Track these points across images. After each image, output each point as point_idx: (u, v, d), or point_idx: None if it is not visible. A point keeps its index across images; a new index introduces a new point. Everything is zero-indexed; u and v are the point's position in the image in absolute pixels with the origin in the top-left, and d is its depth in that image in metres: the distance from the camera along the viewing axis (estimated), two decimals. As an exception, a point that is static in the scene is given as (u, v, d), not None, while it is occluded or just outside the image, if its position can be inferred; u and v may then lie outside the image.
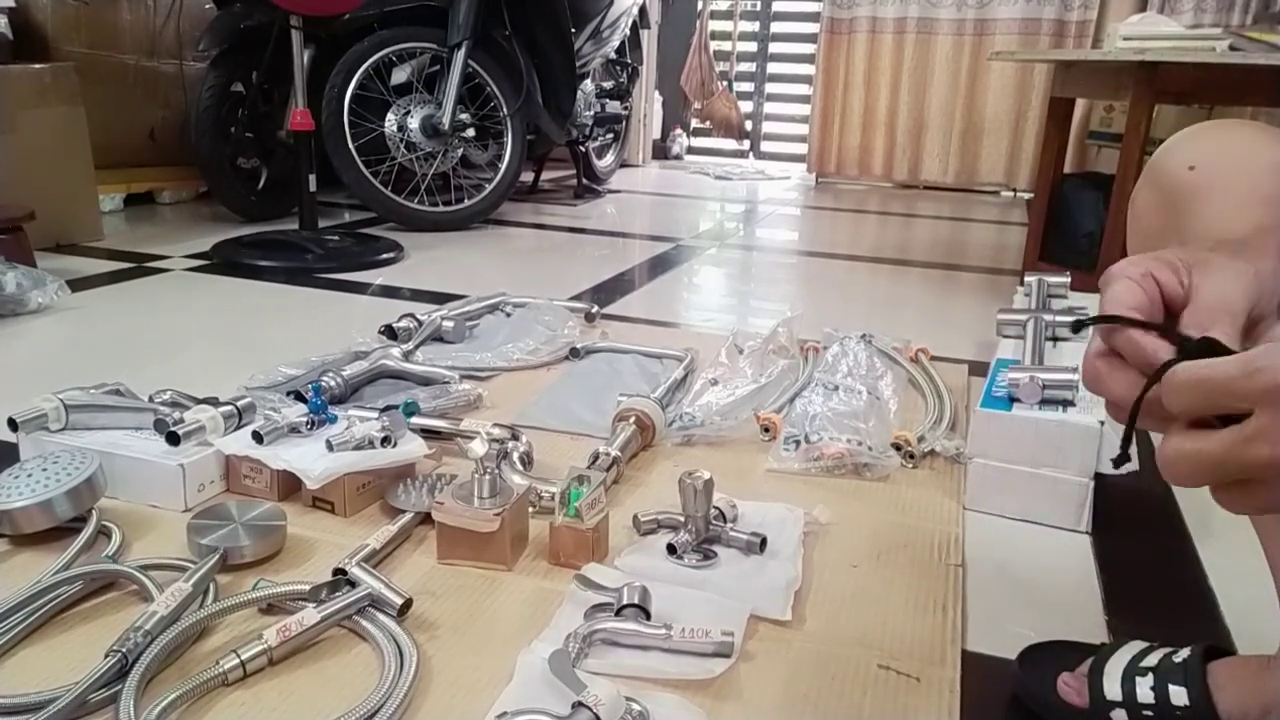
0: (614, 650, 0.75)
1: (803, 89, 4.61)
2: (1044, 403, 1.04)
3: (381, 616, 0.78)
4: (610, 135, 3.97)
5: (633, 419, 1.16)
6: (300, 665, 0.73)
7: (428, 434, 1.11)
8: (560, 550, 0.89)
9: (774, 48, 4.74)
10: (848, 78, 4.12)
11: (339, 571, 0.82)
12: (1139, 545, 1.02)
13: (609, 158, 4.03)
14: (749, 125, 4.87)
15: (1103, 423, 1.01)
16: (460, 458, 1.12)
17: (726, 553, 0.90)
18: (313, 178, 2.24)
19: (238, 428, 1.04)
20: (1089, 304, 1.49)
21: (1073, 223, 2.24)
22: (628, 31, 3.59)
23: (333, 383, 1.27)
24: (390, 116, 2.63)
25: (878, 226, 3.36)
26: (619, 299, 2.05)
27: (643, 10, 3.75)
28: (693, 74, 4.72)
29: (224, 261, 2.22)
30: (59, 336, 1.65)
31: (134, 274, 2.10)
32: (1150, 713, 0.65)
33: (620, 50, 3.70)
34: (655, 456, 1.17)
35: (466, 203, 2.80)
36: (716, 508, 0.92)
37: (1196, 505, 1.09)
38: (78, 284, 1.92)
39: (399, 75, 2.64)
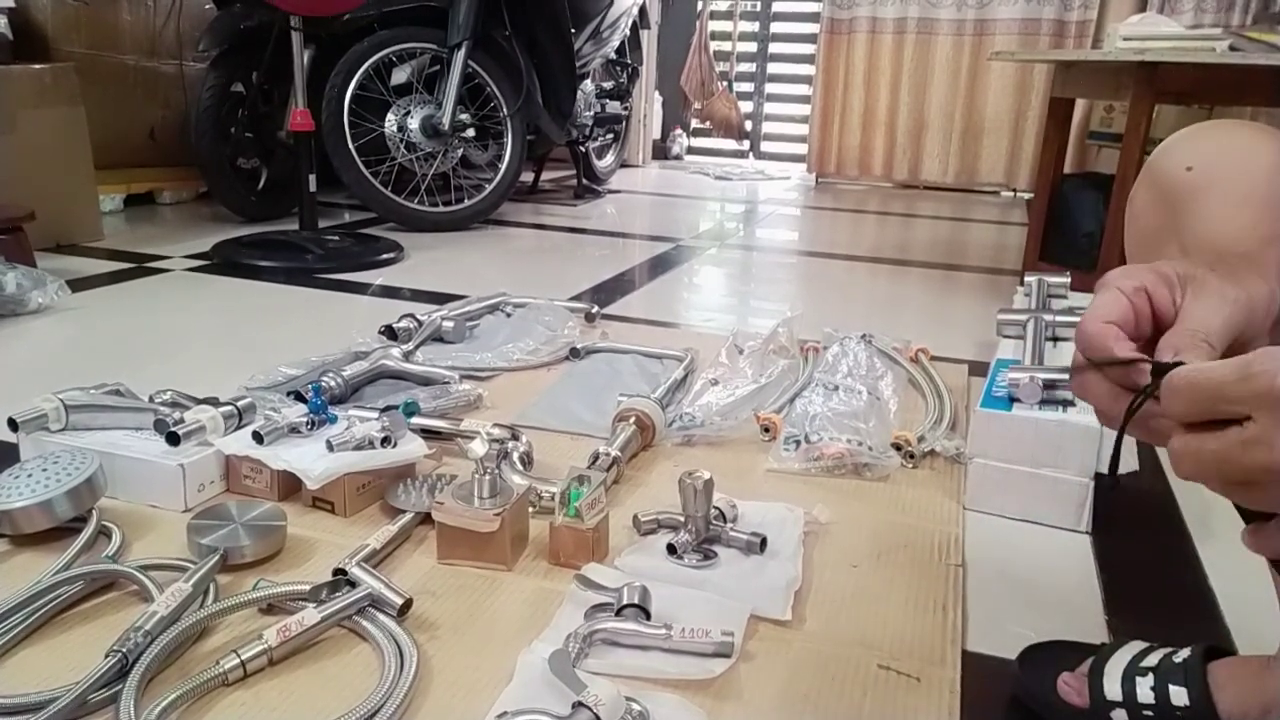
0: (614, 650, 0.75)
1: (803, 89, 4.61)
2: (1044, 403, 1.04)
3: (382, 616, 0.78)
4: (610, 135, 3.97)
5: (633, 419, 1.16)
6: (300, 665, 0.73)
7: (428, 434, 1.11)
8: (560, 550, 0.89)
9: (774, 48, 4.74)
10: (848, 78, 4.13)
11: (339, 571, 0.82)
12: (1139, 545, 1.02)
13: (609, 158, 4.03)
14: (749, 125, 4.87)
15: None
16: (460, 458, 1.12)
17: (726, 553, 0.90)
18: (313, 178, 2.24)
19: (238, 428, 1.04)
20: (1089, 304, 1.49)
21: (1073, 223, 2.24)
22: (628, 32, 3.59)
23: (333, 383, 1.27)
24: (390, 117, 2.63)
25: (878, 226, 3.36)
26: (619, 299, 2.05)
27: (643, 10, 3.75)
28: (693, 74, 4.72)
29: (224, 262, 2.22)
30: (59, 336, 1.65)
31: (134, 274, 2.10)
32: (1150, 713, 0.65)
33: (620, 50, 3.70)
34: (655, 456, 1.17)
35: (466, 203, 2.80)
36: (717, 508, 0.92)
37: (1196, 505, 1.09)
38: (78, 284, 1.92)
39: (399, 75, 2.64)
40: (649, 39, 4.37)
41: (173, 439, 0.99)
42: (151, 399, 1.13)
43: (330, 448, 0.99)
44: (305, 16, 2.16)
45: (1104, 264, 1.94)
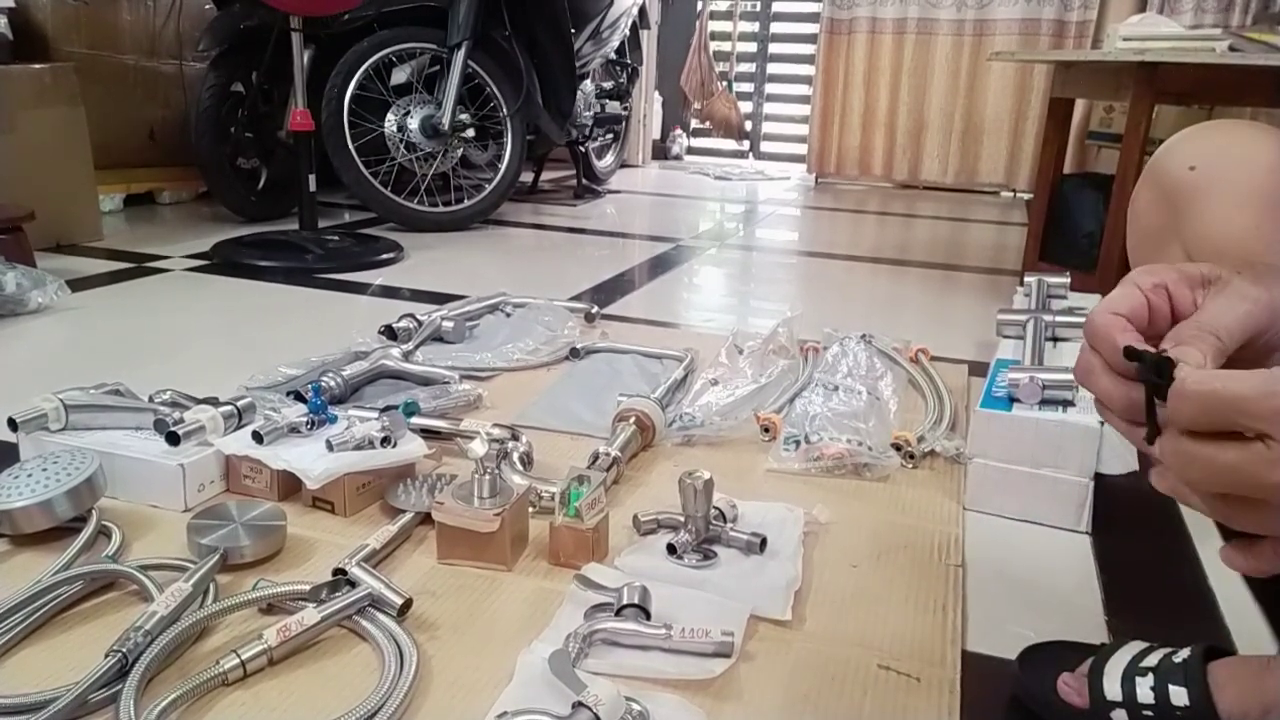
0: (614, 650, 0.75)
1: (802, 89, 4.61)
2: (1044, 403, 1.05)
3: (381, 616, 0.78)
4: (610, 135, 3.97)
5: (633, 419, 1.16)
6: (300, 665, 0.73)
7: (428, 434, 1.11)
8: (560, 550, 0.89)
9: (774, 48, 4.75)
10: (847, 78, 4.13)
11: (339, 571, 0.82)
12: (1139, 545, 1.02)
13: (609, 158, 4.03)
14: (749, 125, 4.87)
15: (1102, 423, 1.01)
16: (460, 458, 1.12)
17: (726, 553, 0.90)
18: (312, 178, 2.24)
19: (238, 428, 1.04)
20: (1089, 304, 1.49)
21: (1073, 223, 2.24)
22: (627, 32, 3.59)
23: (333, 383, 1.27)
24: (390, 117, 2.63)
25: (877, 227, 3.36)
26: (619, 299, 2.05)
27: (642, 10, 3.75)
28: (692, 74, 4.72)
29: (224, 261, 2.22)
30: (59, 336, 1.65)
31: (134, 274, 2.10)
32: (1150, 713, 0.65)
33: (620, 50, 3.70)
34: (655, 457, 1.17)
35: (466, 203, 2.80)
36: (716, 508, 0.92)
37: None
38: (77, 284, 1.92)
39: (399, 75, 2.64)
40: (649, 39, 4.37)
41: (172, 439, 0.99)
42: (151, 399, 1.13)
43: (330, 448, 0.99)
44: (305, 16, 2.16)
45: (1104, 264, 1.94)
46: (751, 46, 4.77)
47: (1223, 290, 0.42)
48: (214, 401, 1.07)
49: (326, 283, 2.09)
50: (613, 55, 3.60)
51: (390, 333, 1.55)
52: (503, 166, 2.83)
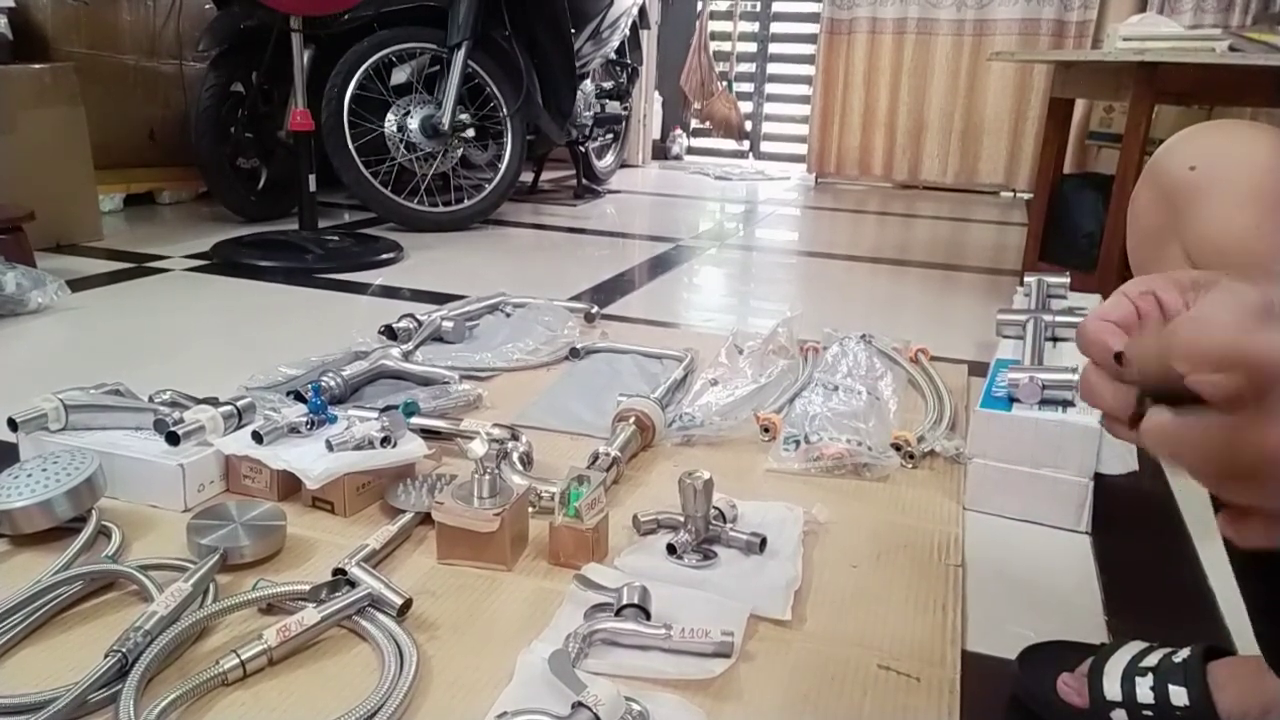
0: (614, 650, 0.75)
1: (802, 89, 4.61)
2: (1043, 403, 1.05)
3: (381, 616, 0.78)
4: (610, 135, 3.97)
5: (632, 419, 1.16)
6: (300, 665, 0.73)
7: (427, 434, 1.11)
8: (560, 550, 0.89)
9: (774, 48, 4.75)
10: (847, 78, 4.13)
11: (339, 571, 0.82)
12: (1139, 545, 1.02)
13: (609, 158, 4.03)
14: (749, 125, 4.87)
15: (1102, 423, 1.01)
16: (460, 458, 1.12)
17: (726, 553, 0.90)
18: (312, 178, 2.24)
19: (237, 428, 1.04)
20: (1089, 304, 1.49)
21: (1072, 223, 2.24)
22: (627, 32, 3.59)
23: (332, 383, 1.27)
24: (390, 117, 2.63)
25: (877, 227, 3.36)
26: (619, 299, 2.05)
27: (642, 11, 3.75)
28: (692, 74, 4.72)
29: (224, 262, 2.22)
30: (59, 336, 1.65)
31: (134, 274, 2.10)
32: (1150, 713, 0.65)
33: (620, 50, 3.70)
34: (655, 457, 1.17)
35: (466, 203, 2.80)
36: (716, 508, 0.92)
37: (1196, 505, 1.09)
38: (77, 284, 1.92)
39: (399, 75, 2.64)
40: (649, 39, 4.37)
41: (172, 439, 0.99)
42: (151, 399, 1.13)
43: (330, 448, 0.99)
44: (305, 16, 2.16)
45: (1104, 264, 1.94)
46: (751, 46, 4.77)
47: (1213, 290, 0.42)
48: (214, 401, 1.07)
49: (326, 283, 2.09)
50: (613, 55, 3.60)
51: (390, 333, 1.55)
52: (503, 166, 2.83)
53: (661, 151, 4.98)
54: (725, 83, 4.75)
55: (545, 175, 3.86)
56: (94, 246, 2.37)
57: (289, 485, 1.00)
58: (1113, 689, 0.67)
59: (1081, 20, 3.72)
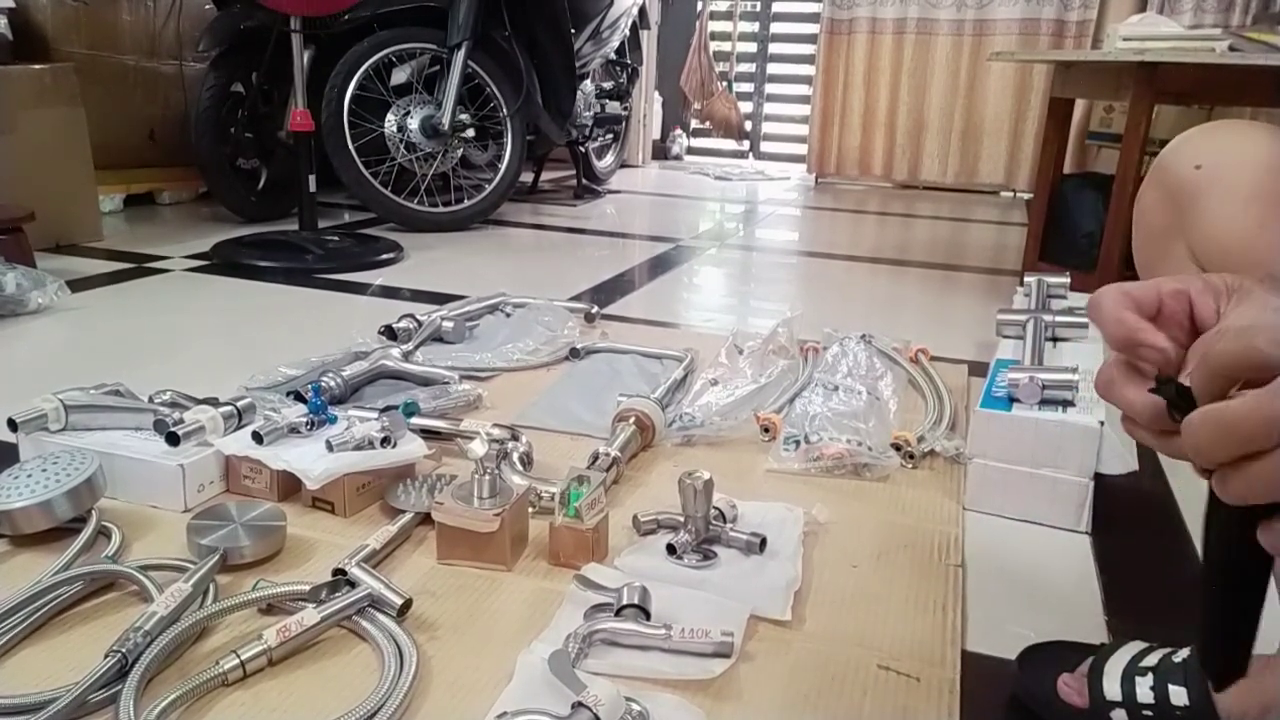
0: (614, 650, 0.75)
1: (802, 89, 4.61)
2: (1043, 403, 1.05)
3: (381, 617, 0.78)
4: (610, 136, 3.97)
5: (632, 419, 1.16)
6: (300, 665, 0.73)
7: (427, 434, 1.11)
8: (560, 550, 0.89)
9: (773, 48, 4.75)
10: (847, 78, 4.13)
11: (339, 572, 0.82)
12: (1139, 545, 1.02)
13: (609, 158, 4.03)
14: (749, 125, 4.87)
15: (1102, 423, 1.01)
16: (460, 458, 1.12)
17: (726, 553, 0.90)
18: (312, 178, 2.24)
19: (237, 428, 1.04)
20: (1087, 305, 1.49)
21: (1072, 223, 2.24)
22: (627, 32, 3.59)
23: (332, 383, 1.27)
24: (390, 117, 2.63)
25: (877, 227, 3.36)
26: (619, 299, 2.05)
27: (642, 11, 3.75)
28: (692, 74, 4.72)
29: (224, 262, 2.22)
30: (59, 337, 1.65)
31: (134, 274, 2.10)
32: (1150, 713, 0.65)
33: (620, 51, 3.70)
34: (655, 457, 1.17)
35: (466, 203, 2.80)
36: (716, 508, 0.92)
37: (1196, 505, 1.09)
38: (77, 284, 1.92)
39: (399, 76, 2.64)
40: (649, 39, 4.37)
41: (172, 439, 0.99)
42: (151, 399, 1.13)
43: (330, 448, 0.99)
44: (304, 17, 2.16)
45: (1104, 264, 1.94)
46: (751, 46, 4.77)
47: (1245, 299, 0.41)
48: (214, 402, 1.07)
49: (326, 283, 2.09)
50: (613, 55, 3.60)
51: (390, 333, 1.55)
52: (503, 167, 2.83)
53: (661, 151, 4.98)
54: (725, 83, 4.75)
55: (545, 175, 3.86)
56: (94, 247, 2.37)
57: (289, 485, 1.00)
58: (1113, 689, 0.67)
59: (1081, 20, 3.72)
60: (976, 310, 2.01)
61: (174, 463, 0.97)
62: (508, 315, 1.74)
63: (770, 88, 4.81)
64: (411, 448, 1.03)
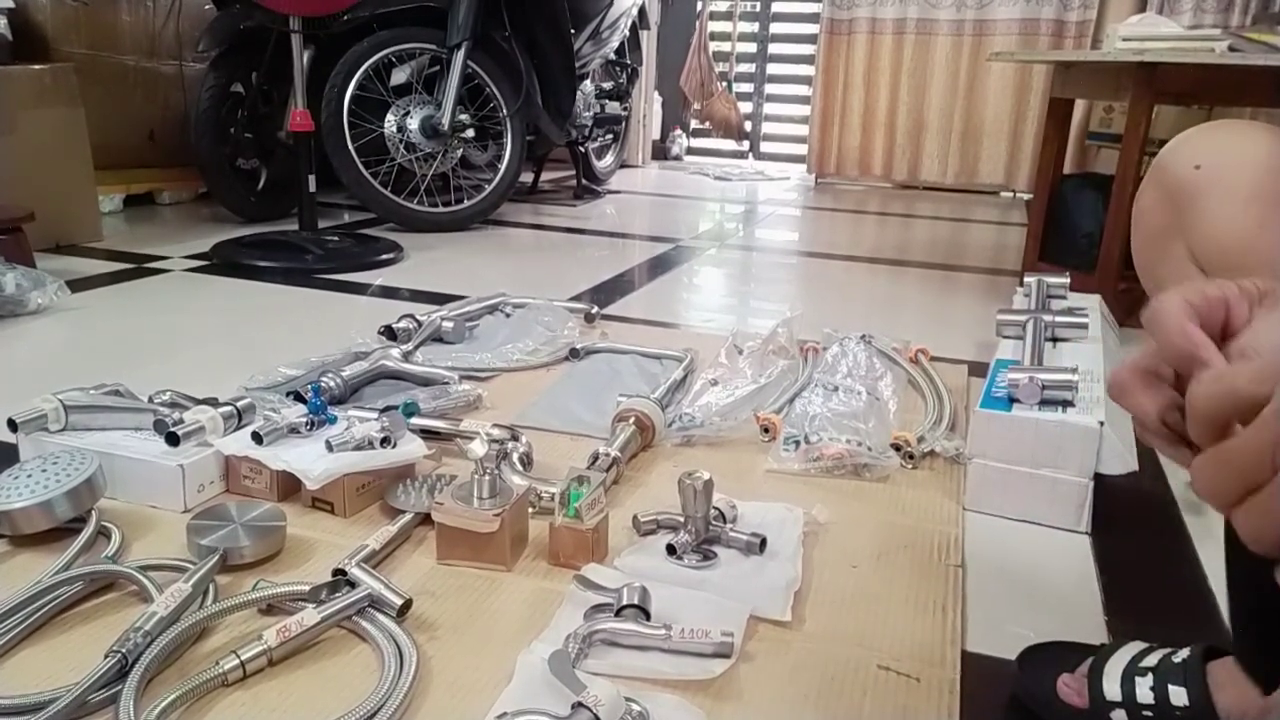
0: (614, 651, 0.75)
1: (802, 90, 4.61)
2: (1043, 403, 1.05)
3: (381, 617, 0.78)
4: (610, 136, 3.97)
5: (632, 419, 1.16)
6: (300, 666, 0.73)
7: (427, 434, 1.11)
8: (560, 551, 0.89)
9: (773, 48, 4.75)
10: (847, 78, 4.13)
11: (338, 572, 0.82)
12: (1139, 546, 1.02)
13: (608, 158, 4.03)
14: (748, 126, 4.87)
15: (1102, 423, 1.01)
16: (460, 458, 1.12)
17: (726, 553, 0.90)
18: (312, 178, 2.24)
19: (237, 428, 1.04)
20: (1088, 304, 1.49)
21: (1072, 223, 2.24)
22: (627, 32, 3.59)
23: (332, 383, 1.27)
24: (390, 117, 2.63)
25: (877, 227, 3.36)
26: (618, 299, 2.05)
27: (642, 11, 3.75)
28: (692, 75, 4.72)
29: (224, 262, 2.22)
30: (58, 337, 1.65)
31: (134, 274, 2.10)
32: (1150, 713, 0.65)
33: (620, 51, 3.70)
34: (655, 457, 1.17)
35: (466, 203, 2.80)
36: (716, 508, 0.92)
37: (1196, 506, 1.09)
38: (77, 285, 1.92)
39: (398, 76, 2.64)
40: (648, 39, 4.37)
41: (172, 439, 0.99)
42: (151, 399, 1.13)
43: (330, 448, 0.99)
44: (304, 17, 2.16)
45: (1103, 264, 1.94)
46: (751, 47, 4.77)
47: (1275, 307, 0.40)
48: (214, 402, 1.07)
49: (326, 283, 2.09)
50: (612, 56, 3.60)
51: (390, 333, 1.55)
52: (502, 167, 2.83)
53: (661, 152, 4.98)
54: (725, 83, 4.75)
55: (545, 176, 3.86)
56: (94, 247, 2.37)
57: (289, 486, 1.00)
58: (1112, 689, 0.67)
59: (1081, 20, 3.72)
60: (976, 310, 2.01)
61: (174, 463, 0.97)
62: (507, 315, 1.74)
63: (770, 88, 4.81)
64: (411, 448, 1.03)
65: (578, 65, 3.07)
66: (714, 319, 1.94)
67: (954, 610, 0.85)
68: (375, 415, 1.07)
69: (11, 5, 2.46)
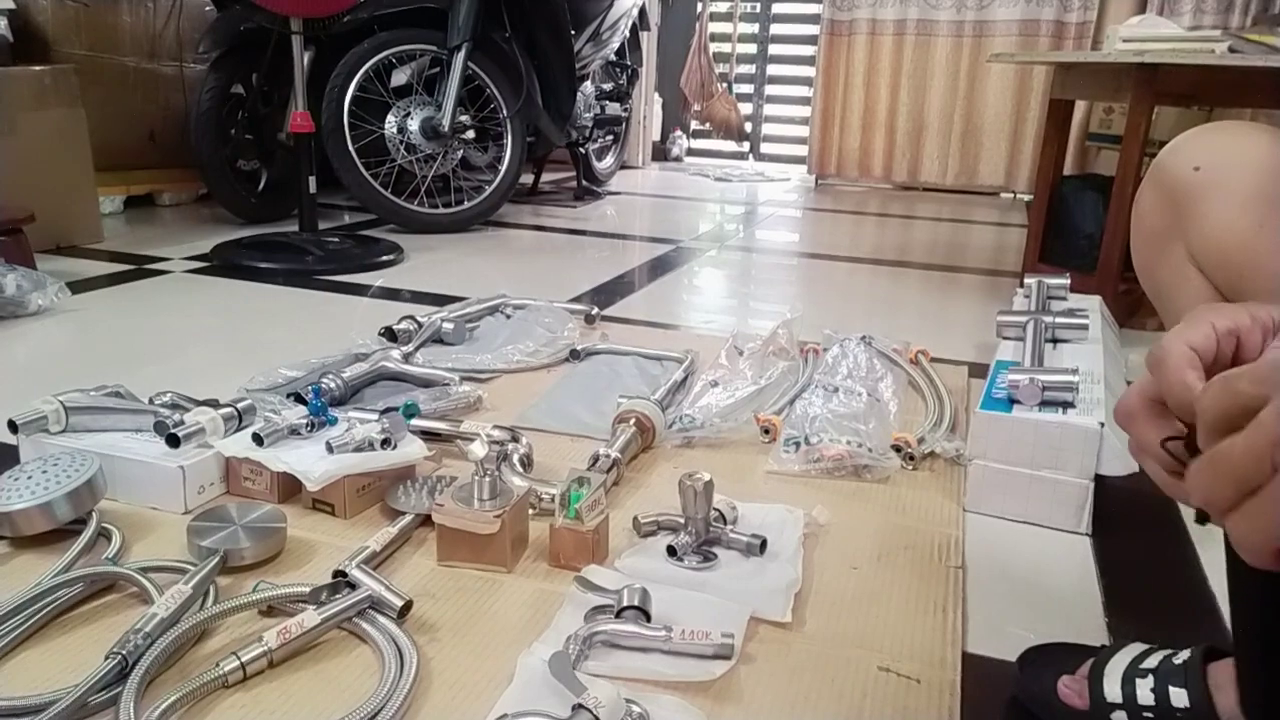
0: (614, 652, 0.75)
1: (802, 90, 4.61)
2: (1044, 404, 1.05)
3: (381, 618, 0.78)
4: (610, 137, 3.97)
5: (633, 421, 1.16)
6: (300, 667, 0.73)
7: (428, 436, 1.11)
8: (560, 552, 0.89)
9: (773, 49, 4.75)
10: (847, 79, 4.13)
11: (339, 573, 0.82)
12: (1139, 547, 1.02)
13: (609, 159, 4.04)
14: (749, 127, 4.87)
15: (1102, 424, 1.01)
16: (460, 460, 1.12)
17: (726, 554, 0.90)
18: (313, 179, 2.24)
19: (238, 430, 1.04)
20: (1088, 305, 1.49)
21: (1072, 224, 2.24)
22: (627, 33, 3.59)
23: (333, 384, 1.27)
24: (390, 118, 2.63)
25: (877, 228, 3.36)
26: (619, 301, 2.05)
27: (642, 12, 3.75)
28: (692, 76, 4.73)
29: (224, 263, 2.22)
30: (59, 338, 1.65)
31: (134, 276, 2.10)
32: (1150, 714, 0.65)
33: (620, 52, 3.71)
34: (655, 458, 1.17)
35: (466, 204, 2.80)
36: (716, 509, 0.92)
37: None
38: (78, 286, 1.93)
39: (399, 77, 2.64)
40: (649, 40, 4.37)
41: (173, 441, 0.99)
42: (151, 401, 1.13)
43: (330, 449, 0.99)
44: (304, 18, 2.16)
45: (1104, 266, 1.94)
46: (751, 48, 4.77)
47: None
48: (214, 403, 1.07)
49: (326, 284, 2.09)
50: (612, 57, 3.60)
51: (390, 334, 1.55)
52: (503, 168, 2.83)
53: (661, 153, 4.98)
54: (725, 84, 4.75)
55: (545, 177, 3.86)
56: (94, 248, 2.37)
57: (289, 487, 1.00)
58: (1113, 691, 0.67)
59: (1081, 21, 3.72)
60: (976, 312, 2.01)
61: (174, 464, 0.97)
62: (508, 317, 1.74)
63: (770, 89, 4.82)
64: (411, 449, 1.03)
65: (578, 66, 3.07)
66: (714, 320, 1.94)
67: (954, 611, 0.85)
68: (376, 416, 1.07)
69: (12, 6, 2.46)
